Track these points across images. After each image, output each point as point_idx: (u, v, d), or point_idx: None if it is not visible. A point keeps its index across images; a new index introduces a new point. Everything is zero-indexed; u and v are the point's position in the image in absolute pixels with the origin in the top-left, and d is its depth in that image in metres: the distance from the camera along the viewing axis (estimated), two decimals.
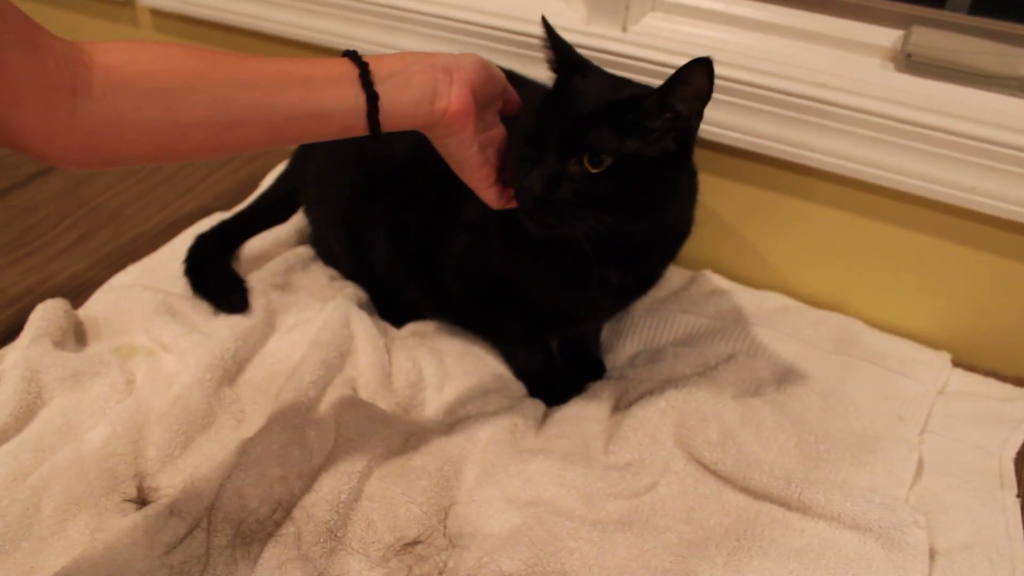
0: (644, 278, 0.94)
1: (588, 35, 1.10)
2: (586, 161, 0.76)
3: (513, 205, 0.82)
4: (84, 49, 0.59)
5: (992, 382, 1.04)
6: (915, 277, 1.10)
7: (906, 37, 1.01)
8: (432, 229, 1.00)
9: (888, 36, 1.04)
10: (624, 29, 1.11)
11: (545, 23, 0.83)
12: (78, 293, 1.09)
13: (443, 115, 0.74)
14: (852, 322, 1.11)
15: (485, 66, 0.78)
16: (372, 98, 0.70)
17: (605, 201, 0.78)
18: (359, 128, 0.71)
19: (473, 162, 0.79)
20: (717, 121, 1.07)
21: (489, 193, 0.82)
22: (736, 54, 1.04)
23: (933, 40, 1.00)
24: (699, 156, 0.86)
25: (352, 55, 0.71)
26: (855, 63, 1.04)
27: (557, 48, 0.83)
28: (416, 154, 1.00)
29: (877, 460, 0.90)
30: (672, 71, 0.78)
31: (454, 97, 0.74)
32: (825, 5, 1.07)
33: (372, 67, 0.71)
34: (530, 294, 0.96)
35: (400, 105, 0.71)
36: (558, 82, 0.84)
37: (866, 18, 1.06)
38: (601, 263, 0.85)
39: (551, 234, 0.80)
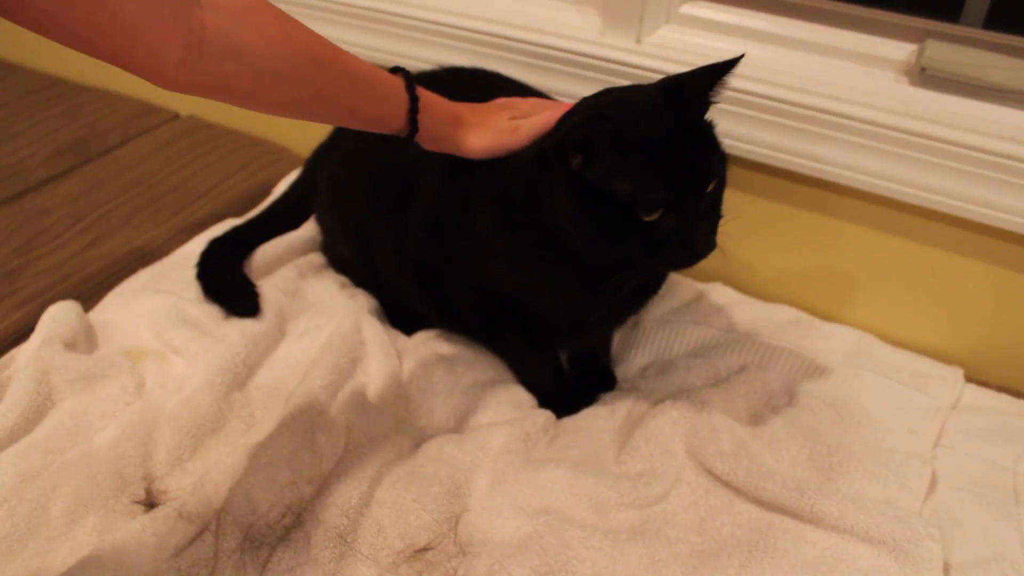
0: (654, 280, 0.95)
1: (602, 46, 1.11)
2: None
3: None
4: (198, 1, 0.62)
5: (1005, 397, 1.03)
6: (928, 291, 1.10)
7: (920, 51, 1.01)
8: (441, 245, 1.00)
9: (902, 50, 1.04)
10: (638, 41, 1.11)
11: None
12: (90, 296, 1.10)
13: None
14: (864, 336, 1.11)
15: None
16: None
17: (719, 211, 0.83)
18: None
19: None
20: (729, 133, 1.06)
21: None
22: (750, 66, 1.04)
23: (947, 54, 1.00)
24: None
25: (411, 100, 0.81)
26: (869, 76, 1.04)
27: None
28: (422, 167, 1.00)
29: (890, 473, 0.90)
30: None
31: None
32: (839, 19, 1.07)
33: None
34: (538, 308, 0.95)
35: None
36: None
37: (880, 32, 1.06)
38: (627, 269, 0.86)
39: None
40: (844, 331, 1.12)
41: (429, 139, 0.85)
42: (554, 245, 0.86)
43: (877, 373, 1.04)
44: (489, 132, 0.88)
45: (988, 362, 1.08)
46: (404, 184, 1.01)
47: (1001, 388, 1.05)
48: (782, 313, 1.15)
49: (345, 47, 1.28)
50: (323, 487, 0.85)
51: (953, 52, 1.00)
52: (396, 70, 0.83)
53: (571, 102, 0.90)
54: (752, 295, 1.19)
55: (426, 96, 0.83)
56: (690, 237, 0.78)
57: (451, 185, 0.96)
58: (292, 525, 0.82)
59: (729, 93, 1.02)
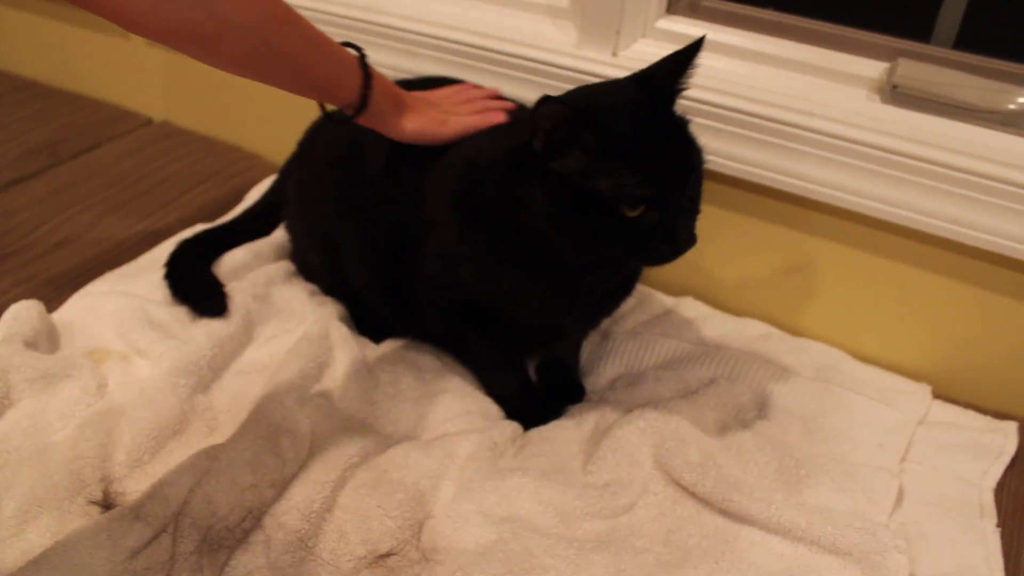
0: (627, 281, 0.95)
1: (579, 58, 1.11)
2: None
3: None
4: None
5: (972, 414, 1.03)
6: (896, 307, 1.10)
7: (892, 69, 1.03)
8: (406, 253, 0.99)
9: (874, 68, 1.05)
10: (615, 54, 1.12)
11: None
12: (53, 297, 1.08)
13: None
14: (833, 351, 1.11)
15: None
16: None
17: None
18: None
19: None
20: (703, 147, 1.07)
21: None
22: (724, 81, 1.05)
23: (918, 73, 1.01)
24: None
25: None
26: (842, 93, 1.05)
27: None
28: (389, 176, 0.99)
29: (857, 486, 0.90)
30: None
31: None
32: (813, 36, 1.09)
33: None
34: (510, 314, 0.94)
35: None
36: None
37: (853, 50, 1.07)
38: (605, 269, 0.86)
39: None
40: (813, 346, 1.12)
41: (370, 115, 0.88)
42: (526, 247, 0.85)
43: (846, 388, 1.04)
44: (421, 119, 0.93)
45: (955, 379, 1.09)
46: (371, 193, 1.00)
47: (968, 405, 1.05)
48: (752, 327, 1.15)
49: None
50: (285, 491, 0.83)
51: (924, 71, 1.01)
52: (347, 45, 0.87)
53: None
54: (722, 309, 1.19)
55: (376, 75, 0.87)
56: (672, 232, 0.79)
57: (418, 192, 0.95)
58: (252, 528, 0.80)
59: (703, 107, 1.04)
